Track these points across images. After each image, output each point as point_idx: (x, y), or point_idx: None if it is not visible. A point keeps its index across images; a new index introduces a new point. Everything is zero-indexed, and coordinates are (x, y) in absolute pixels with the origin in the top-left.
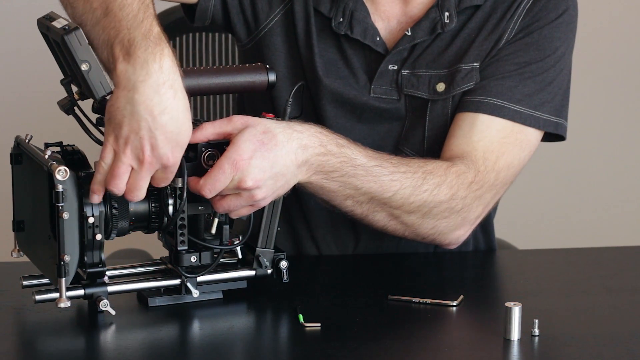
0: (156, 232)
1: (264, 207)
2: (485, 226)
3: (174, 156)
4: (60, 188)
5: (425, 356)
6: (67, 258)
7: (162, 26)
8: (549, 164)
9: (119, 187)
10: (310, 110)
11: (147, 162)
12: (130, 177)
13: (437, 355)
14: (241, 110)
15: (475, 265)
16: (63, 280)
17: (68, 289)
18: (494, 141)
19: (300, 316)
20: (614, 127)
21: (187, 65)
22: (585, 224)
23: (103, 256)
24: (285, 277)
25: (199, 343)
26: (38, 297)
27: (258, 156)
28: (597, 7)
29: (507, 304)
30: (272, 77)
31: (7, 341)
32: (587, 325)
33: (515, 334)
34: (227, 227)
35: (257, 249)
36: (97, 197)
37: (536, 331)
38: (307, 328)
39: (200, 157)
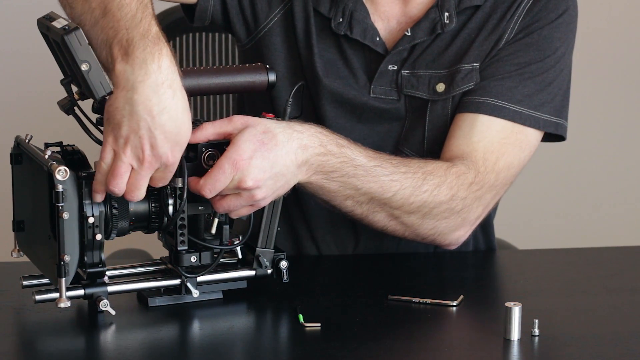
0: (156, 232)
1: (264, 207)
2: (485, 226)
3: (174, 155)
4: (60, 188)
5: (425, 356)
6: (67, 258)
7: (160, 26)
8: (549, 164)
9: (119, 186)
10: (310, 110)
11: (147, 162)
12: (130, 176)
13: (437, 355)
14: (241, 110)
15: (475, 265)
16: (63, 280)
17: (68, 289)
18: (494, 142)
19: (300, 316)
20: (614, 127)
21: (187, 65)
22: (585, 224)
23: (103, 256)
24: (285, 277)
25: (199, 343)
26: (38, 297)
27: (258, 156)
28: (597, 7)
29: (507, 304)
30: (272, 77)
31: (7, 341)
32: (587, 325)
33: (515, 334)
34: (227, 227)
35: (257, 249)
36: (99, 196)
37: (536, 331)
38: (307, 328)
39: (200, 157)
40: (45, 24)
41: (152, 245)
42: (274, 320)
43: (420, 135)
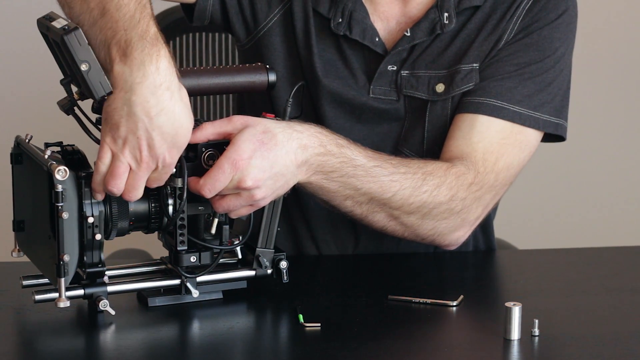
0: (156, 232)
1: (264, 207)
2: (485, 227)
3: (171, 156)
4: (59, 188)
5: (425, 356)
6: (66, 258)
7: (159, 26)
8: (549, 164)
9: (118, 186)
10: (310, 110)
11: (144, 162)
12: (128, 177)
13: (437, 355)
14: (241, 110)
15: (475, 265)
16: (62, 280)
17: (68, 289)
18: (493, 142)
19: (300, 316)
20: (614, 127)
21: (187, 65)
22: (585, 224)
23: (103, 256)
24: (285, 277)
25: (199, 343)
26: (37, 297)
27: (258, 156)
28: (597, 7)
29: (507, 304)
30: (272, 77)
31: (7, 341)
32: (587, 325)
33: (515, 334)
34: (226, 227)
35: (257, 249)
36: (100, 195)
37: (536, 331)
38: (307, 328)
39: (200, 157)
40: (45, 24)
41: (152, 245)
42: (274, 320)
43: (420, 136)
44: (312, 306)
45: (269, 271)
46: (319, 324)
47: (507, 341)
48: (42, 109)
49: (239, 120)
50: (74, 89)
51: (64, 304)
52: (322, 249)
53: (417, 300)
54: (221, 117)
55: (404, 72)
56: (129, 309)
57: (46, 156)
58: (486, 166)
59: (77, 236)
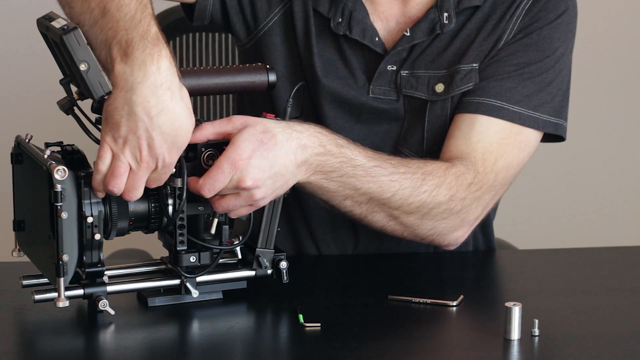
0: (156, 232)
1: (263, 207)
2: (485, 226)
3: (171, 156)
4: (59, 187)
5: (425, 356)
6: (65, 257)
7: (160, 26)
8: (549, 164)
9: (119, 186)
10: (310, 110)
11: (144, 162)
12: (128, 177)
13: (437, 355)
14: (241, 110)
15: (475, 265)
16: (62, 279)
17: (67, 289)
18: (493, 142)
19: (300, 316)
20: (614, 127)
21: (187, 65)
22: (585, 224)
23: (102, 256)
24: (285, 277)
25: (199, 343)
26: (37, 297)
27: (257, 156)
28: (597, 7)
29: (507, 304)
30: (272, 77)
31: (7, 341)
32: (587, 325)
33: (515, 334)
34: (226, 227)
35: (257, 249)
36: (100, 193)
37: (536, 331)
38: (307, 328)
39: (200, 157)
40: (44, 23)
41: (152, 245)
42: (274, 320)
43: (420, 136)
44: (312, 306)
45: (269, 271)
46: (319, 324)
47: (507, 341)
48: (42, 109)
49: (238, 120)
50: (74, 88)
51: (63, 303)
52: (322, 248)
53: (417, 300)
54: (221, 117)
55: (404, 72)
56: (129, 309)
57: (46, 156)
58: (486, 166)
59: (76, 236)
